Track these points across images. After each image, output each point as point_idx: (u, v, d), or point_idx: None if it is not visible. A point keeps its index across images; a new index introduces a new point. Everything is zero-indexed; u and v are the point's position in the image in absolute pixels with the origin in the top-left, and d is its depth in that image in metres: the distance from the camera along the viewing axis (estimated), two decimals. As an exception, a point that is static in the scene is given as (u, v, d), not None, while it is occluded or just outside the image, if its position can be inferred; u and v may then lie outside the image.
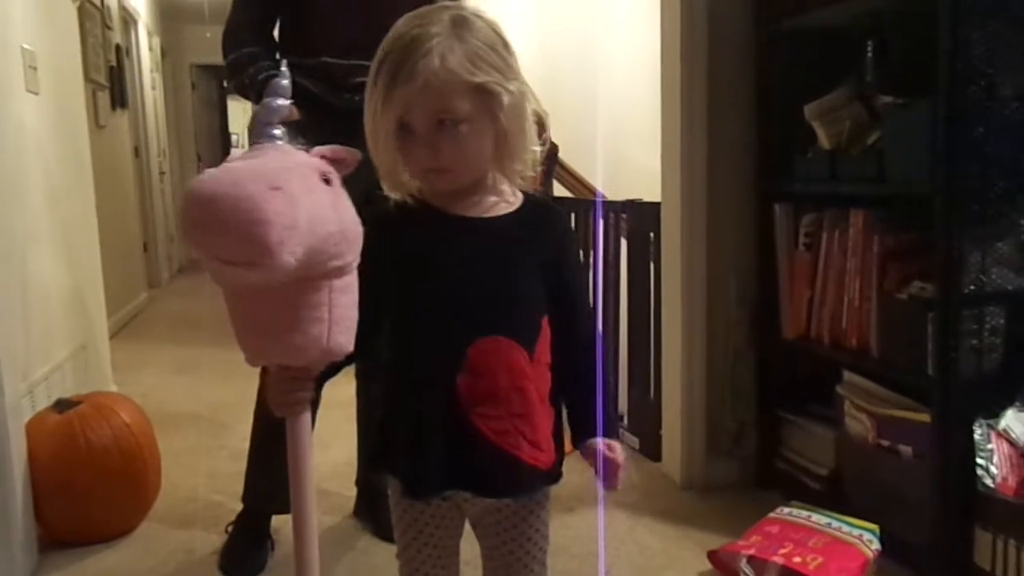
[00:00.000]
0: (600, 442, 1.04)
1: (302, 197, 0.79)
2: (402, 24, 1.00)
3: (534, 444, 1.01)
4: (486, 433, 0.98)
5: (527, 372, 1.01)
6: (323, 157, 0.89)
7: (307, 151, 0.89)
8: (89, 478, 1.96)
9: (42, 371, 2.33)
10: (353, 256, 0.88)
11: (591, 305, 1.14)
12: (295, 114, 1.99)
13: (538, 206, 1.08)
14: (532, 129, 1.02)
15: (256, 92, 1.86)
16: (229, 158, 0.85)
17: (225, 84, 2.08)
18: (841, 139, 1.98)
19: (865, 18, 2.05)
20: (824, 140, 2.03)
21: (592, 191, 3.44)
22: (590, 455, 1.04)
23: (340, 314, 0.87)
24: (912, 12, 1.77)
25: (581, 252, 2.82)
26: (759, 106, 2.20)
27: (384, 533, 2.00)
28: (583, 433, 1.06)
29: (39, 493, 1.93)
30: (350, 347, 0.89)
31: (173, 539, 2.05)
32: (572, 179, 3.49)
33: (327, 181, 0.86)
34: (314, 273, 0.84)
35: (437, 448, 0.99)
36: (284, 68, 1.01)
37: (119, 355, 3.54)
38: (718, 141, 2.22)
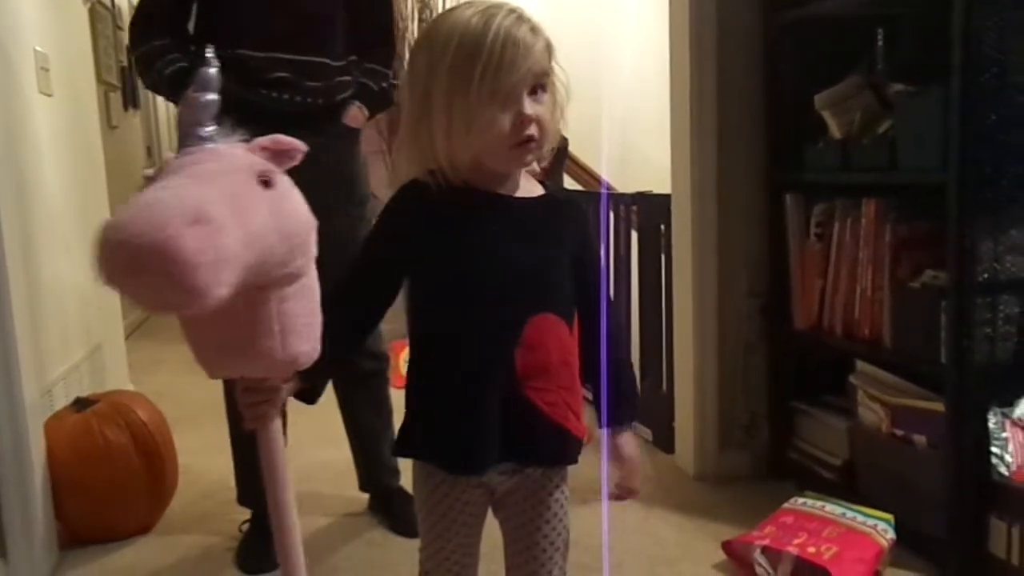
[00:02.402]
0: (625, 446, 1.10)
1: (230, 222, 0.72)
2: (470, 13, 0.97)
3: (577, 416, 1.06)
4: (540, 405, 1.02)
5: (571, 347, 1.05)
6: (264, 149, 0.84)
7: (246, 143, 0.84)
8: (107, 476, 1.98)
9: (60, 370, 2.36)
10: (305, 258, 0.84)
11: (611, 297, 1.16)
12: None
13: (562, 198, 1.11)
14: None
15: (168, 87, 1.78)
16: (157, 171, 0.79)
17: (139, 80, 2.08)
18: (852, 128, 1.97)
19: (874, 6, 2.04)
20: (835, 130, 2.02)
21: (600, 182, 3.43)
22: (615, 456, 1.10)
23: (293, 322, 0.84)
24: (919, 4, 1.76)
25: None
26: (769, 96, 2.19)
27: (399, 527, 2.01)
28: (614, 422, 1.10)
29: (58, 491, 1.95)
30: (315, 353, 0.88)
31: (190, 536, 2.06)
32: (582, 172, 3.49)
33: (266, 183, 0.80)
34: (258, 286, 0.79)
35: (492, 422, 1.00)
36: (210, 55, 0.91)
37: (135, 355, 3.57)
38: (728, 132, 2.22)
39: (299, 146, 0.87)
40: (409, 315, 1.07)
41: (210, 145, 0.82)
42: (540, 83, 0.97)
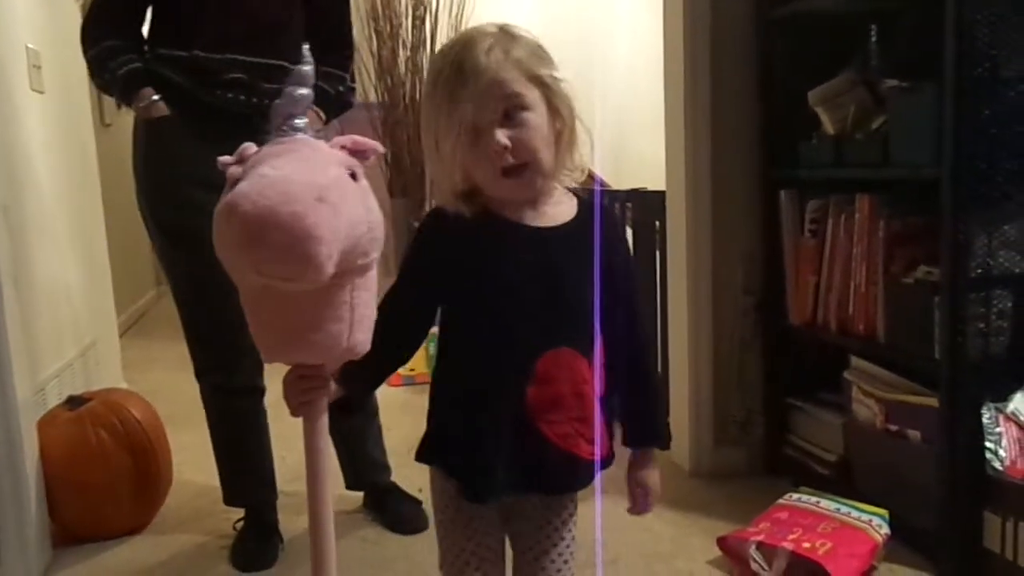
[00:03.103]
0: (645, 476, 1.13)
1: (342, 204, 0.77)
2: (448, 43, 1.01)
3: (590, 442, 1.05)
4: (552, 438, 1.02)
5: (587, 378, 1.04)
6: (343, 148, 0.86)
7: (326, 141, 0.86)
8: (101, 474, 1.97)
9: (53, 368, 2.35)
10: (377, 252, 0.87)
11: (643, 309, 1.16)
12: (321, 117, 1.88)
13: (593, 210, 1.07)
14: (580, 126, 1.03)
15: (121, 86, 1.76)
16: (256, 157, 0.82)
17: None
18: (846, 124, 1.97)
19: (868, 2, 2.04)
20: (828, 126, 2.02)
21: (594, 178, 3.42)
22: (634, 483, 1.13)
23: (361, 312, 0.86)
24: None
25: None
26: (762, 93, 2.19)
27: (394, 525, 2.01)
28: (635, 441, 1.13)
29: (52, 490, 1.94)
30: (367, 345, 0.89)
31: (185, 534, 2.06)
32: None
33: (353, 176, 0.83)
34: (342, 272, 0.82)
35: (503, 454, 1.01)
36: (307, 53, 0.95)
37: (129, 352, 3.56)
38: (722, 129, 2.22)
39: (375, 147, 0.90)
40: (439, 325, 1.07)
41: (302, 136, 0.86)
42: (511, 106, 0.95)
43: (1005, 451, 1.63)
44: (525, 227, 1.00)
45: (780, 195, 2.15)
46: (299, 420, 0.96)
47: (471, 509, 1.06)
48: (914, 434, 1.80)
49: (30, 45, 2.39)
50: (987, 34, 1.56)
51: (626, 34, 4.24)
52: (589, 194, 1.07)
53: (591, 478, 1.08)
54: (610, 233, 1.06)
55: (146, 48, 1.82)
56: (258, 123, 1.66)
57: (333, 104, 1.94)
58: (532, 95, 0.96)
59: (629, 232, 2.74)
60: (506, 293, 1.00)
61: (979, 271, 1.62)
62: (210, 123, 1.73)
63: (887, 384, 1.89)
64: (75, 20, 3.23)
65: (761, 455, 2.30)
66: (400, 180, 4.00)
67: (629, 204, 2.71)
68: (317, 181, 0.76)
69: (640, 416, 1.11)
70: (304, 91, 0.90)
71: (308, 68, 0.93)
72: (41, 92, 2.48)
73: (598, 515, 1.95)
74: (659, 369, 2.56)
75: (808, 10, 2.06)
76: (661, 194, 2.40)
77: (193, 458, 2.35)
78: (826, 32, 2.09)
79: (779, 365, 2.27)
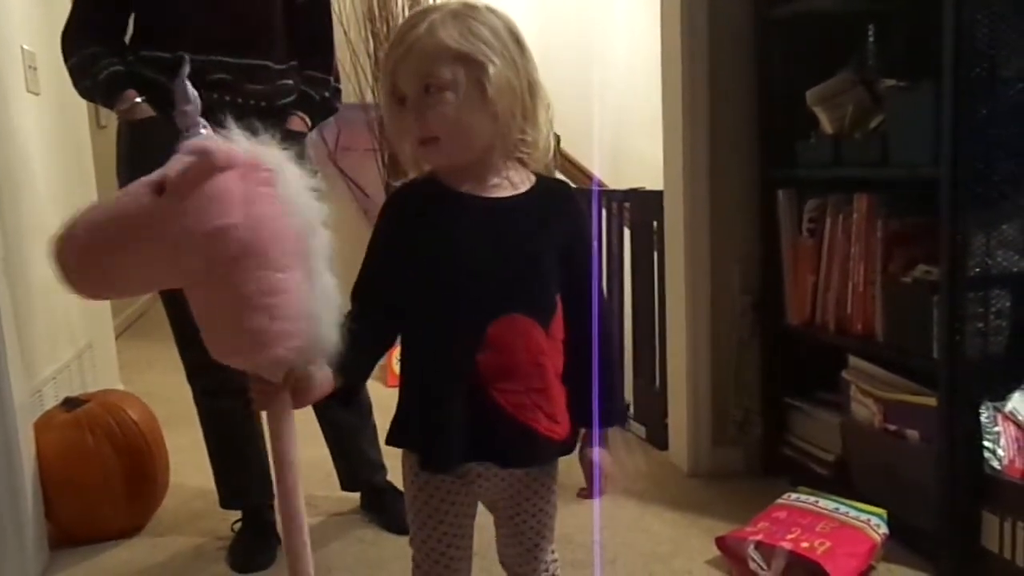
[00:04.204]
0: (595, 453, 1.10)
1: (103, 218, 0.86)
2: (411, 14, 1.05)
3: (550, 417, 1.04)
4: (505, 407, 1.01)
5: (544, 348, 1.04)
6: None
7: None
8: (98, 476, 1.97)
9: (49, 370, 2.34)
10: (271, 246, 0.86)
11: (602, 289, 1.15)
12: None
13: (553, 187, 1.10)
14: (542, 118, 1.04)
15: (104, 90, 1.76)
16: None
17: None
18: (844, 124, 1.97)
19: (865, 2, 2.04)
20: (827, 125, 2.02)
21: (592, 178, 3.43)
22: (585, 463, 1.10)
23: (270, 300, 0.86)
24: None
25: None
26: (760, 92, 2.19)
27: (391, 525, 2.00)
28: (582, 422, 1.09)
29: (49, 492, 1.93)
30: (289, 334, 0.87)
31: (182, 536, 2.05)
32: (574, 168, 3.48)
33: (161, 189, 0.85)
34: (210, 269, 0.84)
35: (456, 423, 1.01)
36: (185, 67, 1.02)
37: (125, 354, 3.54)
38: (720, 128, 2.22)
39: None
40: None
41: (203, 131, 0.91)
42: (429, 83, 0.97)
43: (1003, 450, 1.63)
44: (469, 195, 1.03)
45: (778, 195, 2.15)
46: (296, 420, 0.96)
47: (435, 482, 1.07)
48: (912, 434, 1.80)
49: (26, 46, 2.38)
50: (986, 34, 1.56)
51: (624, 33, 4.24)
52: (550, 178, 1.10)
53: (552, 456, 1.09)
54: (572, 216, 1.09)
55: (129, 51, 1.81)
56: (246, 125, 1.68)
57: (318, 109, 1.94)
58: (449, 74, 0.97)
59: (627, 232, 2.75)
60: (453, 260, 1.01)
61: (977, 270, 1.62)
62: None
63: (885, 383, 1.89)
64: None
65: (759, 455, 2.30)
66: (396, 178, 4.00)
67: (627, 204, 2.70)
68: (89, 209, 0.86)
69: (590, 393, 1.09)
70: (190, 108, 0.96)
71: (185, 81, 0.99)
72: (37, 94, 2.47)
73: (596, 515, 1.96)
74: (658, 368, 2.56)
75: (806, 10, 2.06)
76: (659, 194, 2.40)
77: (190, 460, 2.35)
78: (824, 31, 2.08)
79: (777, 365, 2.27)
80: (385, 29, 4.03)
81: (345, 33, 3.81)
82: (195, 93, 0.99)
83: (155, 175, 0.85)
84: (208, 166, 0.84)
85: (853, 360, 2.01)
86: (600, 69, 4.06)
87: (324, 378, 0.95)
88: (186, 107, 0.97)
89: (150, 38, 1.79)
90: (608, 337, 1.10)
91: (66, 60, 1.80)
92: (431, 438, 1.03)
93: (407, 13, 3.99)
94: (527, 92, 1.02)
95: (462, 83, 0.98)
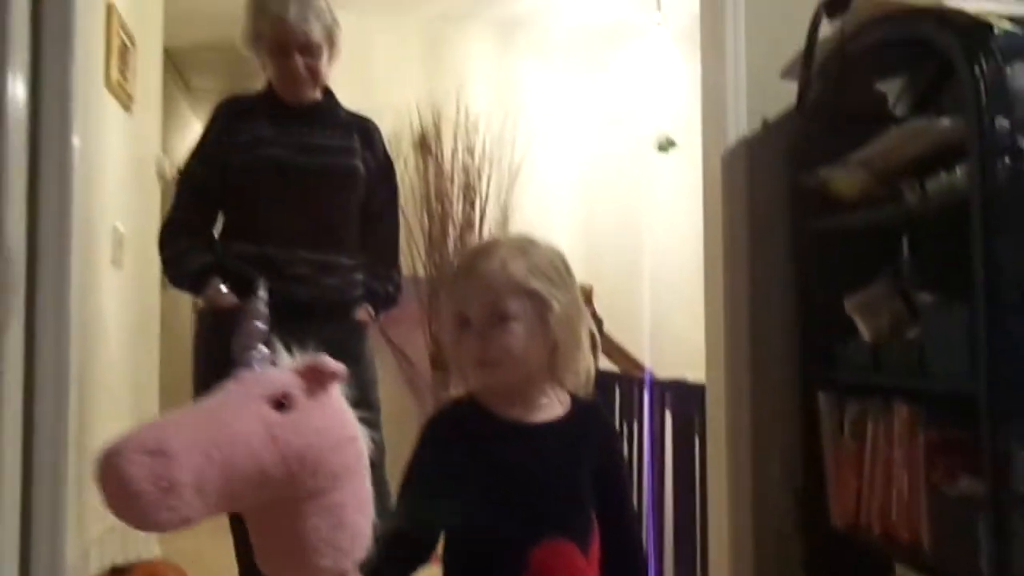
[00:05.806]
0: None
1: (192, 451, 0.81)
2: (475, 245, 1.17)
3: None
4: None
5: (585, 571, 1.07)
6: (298, 373, 0.91)
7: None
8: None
9: (95, 532, 2.37)
10: (323, 481, 0.89)
11: (635, 510, 1.20)
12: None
13: (586, 411, 1.17)
14: (586, 344, 1.12)
15: (192, 280, 1.96)
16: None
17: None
18: (882, 332, 2.03)
19: (895, 219, 2.14)
20: (865, 332, 2.07)
21: (637, 365, 3.50)
22: None
23: (312, 537, 0.90)
24: (942, 217, 1.86)
25: (628, 427, 2.86)
26: (799, 296, 2.27)
27: None
28: None
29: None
30: (338, 567, 0.93)
31: None
32: (617, 353, 3.56)
33: (280, 405, 0.87)
34: (282, 498, 0.87)
35: None
36: (262, 290, 1.04)
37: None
38: (760, 326, 2.28)
39: (339, 369, 0.95)
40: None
41: (257, 365, 0.92)
42: (497, 312, 1.06)
43: None
44: (511, 424, 1.09)
45: (819, 397, 2.18)
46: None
47: None
48: (965, 653, 1.73)
49: (118, 225, 2.59)
50: (1015, 260, 1.64)
51: (667, 226, 4.36)
52: (583, 398, 1.17)
53: None
54: (604, 437, 1.15)
55: (218, 243, 2.02)
56: (320, 313, 1.87)
57: (383, 301, 2.12)
58: (520, 306, 1.07)
59: (668, 417, 2.78)
60: (498, 489, 1.06)
61: None
62: (278, 311, 1.86)
63: (934, 596, 1.84)
64: (155, 195, 3.49)
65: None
66: (443, 353, 4.10)
67: (667, 394, 2.75)
68: (163, 433, 0.83)
69: None
70: (260, 325, 0.96)
71: (262, 303, 0.99)
72: (120, 267, 2.65)
73: None
74: (699, 563, 2.51)
75: (839, 225, 2.16)
76: (701, 388, 2.45)
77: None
78: (858, 242, 2.18)
79: (821, 565, 2.21)
80: (440, 208, 4.27)
81: (402, 210, 4.05)
82: (267, 312, 1.02)
83: (270, 391, 0.88)
84: (331, 379, 0.90)
85: (900, 568, 1.97)
86: (642, 257, 4.21)
87: None
88: (256, 323, 0.98)
89: (239, 233, 1.99)
90: (640, 557, 1.14)
91: (161, 252, 2.01)
92: None
93: (461, 196, 4.25)
94: (577, 320, 1.11)
95: (527, 315, 1.07)
